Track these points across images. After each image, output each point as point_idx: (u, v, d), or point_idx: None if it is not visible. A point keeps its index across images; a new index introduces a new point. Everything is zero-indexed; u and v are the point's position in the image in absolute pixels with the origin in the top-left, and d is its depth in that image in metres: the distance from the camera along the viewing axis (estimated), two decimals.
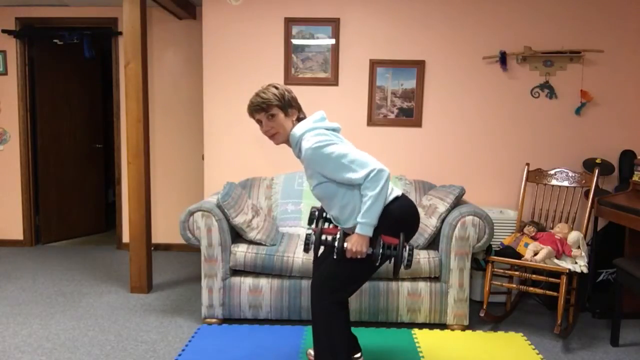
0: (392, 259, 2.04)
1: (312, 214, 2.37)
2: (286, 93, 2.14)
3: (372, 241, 2.05)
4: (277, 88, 2.13)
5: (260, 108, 2.11)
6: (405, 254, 2.03)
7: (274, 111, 2.11)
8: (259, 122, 2.15)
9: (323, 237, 2.08)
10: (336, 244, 2.03)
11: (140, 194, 3.47)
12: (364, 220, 2.01)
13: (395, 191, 2.19)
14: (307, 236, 2.07)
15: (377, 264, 2.07)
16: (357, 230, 2.03)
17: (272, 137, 2.16)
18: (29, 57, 4.73)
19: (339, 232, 2.06)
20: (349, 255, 2.03)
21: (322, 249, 2.14)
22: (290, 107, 2.15)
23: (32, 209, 4.86)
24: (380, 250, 2.02)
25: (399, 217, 2.14)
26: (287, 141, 2.18)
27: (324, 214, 2.38)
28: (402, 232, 2.14)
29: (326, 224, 2.34)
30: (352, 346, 2.45)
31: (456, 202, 3.03)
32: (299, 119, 2.19)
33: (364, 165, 2.01)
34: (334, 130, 2.19)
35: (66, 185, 5.07)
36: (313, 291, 2.15)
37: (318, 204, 3.33)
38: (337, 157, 2.02)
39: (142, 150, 3.45)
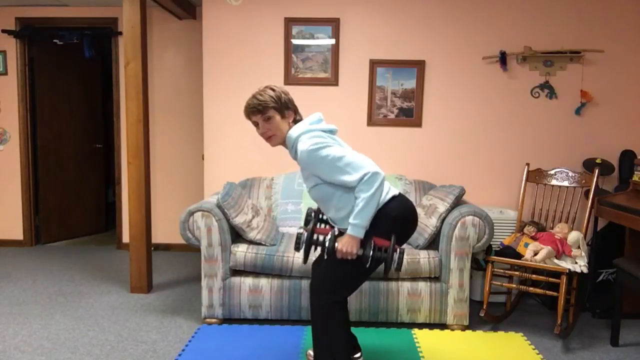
0: (383, 261, 2.03)
1: (308, 215, 2.38)
2: (283, 95, 2.13)
3: (363, 242, 2.04)
4: (273, 90, 2.13)
5: (256, 110, 2.10)
6: (396, 256, 2.02)
7: (270, 113, 2.10)
8: (256, 124, 2.15)
9: (315, 236, 2.07)
10: (327, 244, 2.03)
11: (140, 194, 3.47)
12: (355, 221, 2.00)
13: (392, 190, 2.19)
14: (299, 235, 2.06)
15: (367, 266, 2.06)
16: (348, 231, 2.02)
17: (268, 139, 2.16)
18: (29, 57, 4.73)
19: (330, 233, 2.05)
20: (339, 255, 2.02)
21: (316, 250, 2.14)
22: (287, 109, 2.15)
23: (32, 209, 4.86)
24: (371, 252, 2.01)
25: (396, 216, 2.13)
26: (283, 143, 2.18)
27: (320, 215, 2.38)
28: (400, 231, 2.14)
29: (322, 225, 2.34)
30: (351, 346, 2.45)
31: (456, 202, 3.03)
32: (295, 121, 2.19)
33: (358, 169, 2.01)
34: (330, 132, 2.19)
35: (66, 185, 5.07)
36: (312, 291, 2.15)
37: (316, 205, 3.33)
38: (332, 160, 2.01)
39: (142, 150, 3.45)
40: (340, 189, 2.08)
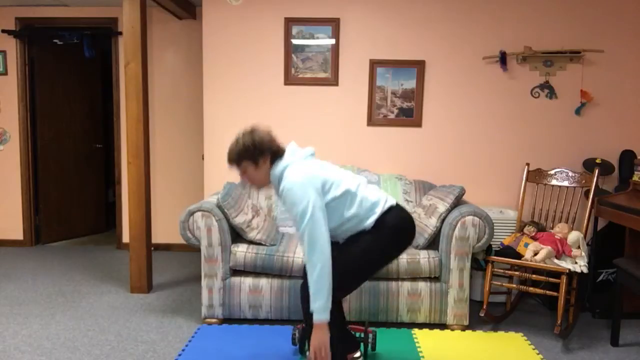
0: None
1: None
2: (255, 142, 2.11)
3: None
4: (244, 139, 2.12)
5: (231, 163, 2.16)
6: None
7: (243, 165, 2.14)
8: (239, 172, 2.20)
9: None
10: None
11: (140, 194, 3.47)
12: (315, 305, 2.00)
13: (389, 200, 2.22)
14: (294, 333, 2.57)
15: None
16: (314, 320, 2.01)
17: (252, 185, 2.21)
18: (29, 57, 4.73)
19: None
20: (312, 354, 2.03)
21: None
22: (260, 155, 2.13)
23: (32, 209, 4.86)
24: None
25: (394, 225, 2.16)
26: (270, 184, 2.21)
27: None
28: (400, 239, 2.18)
29: None
30: (348, 344, 2.45)
31: (456, 202, 3.03)
32: (277, 157, 2.16)
33: (308, 244, 2.00)
34: (312, 155, 2.21)
35: (66, 185, 5.07)
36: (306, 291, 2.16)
37: None
38: (301, 214, 2.01)
39: (142, 150, 3.45)
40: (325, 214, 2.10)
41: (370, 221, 2.14)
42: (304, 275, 2.35)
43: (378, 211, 2.15)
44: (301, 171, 2.07)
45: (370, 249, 2.15)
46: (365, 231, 2.16)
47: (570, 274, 2.88)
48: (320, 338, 2.02)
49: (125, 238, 4.72)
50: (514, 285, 3.07)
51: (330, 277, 2.01)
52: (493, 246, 3.14)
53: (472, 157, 3.78)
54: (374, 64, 3.72)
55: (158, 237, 4.72)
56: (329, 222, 2.13)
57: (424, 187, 3.57)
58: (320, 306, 2.00)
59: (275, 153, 2.17)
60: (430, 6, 3.68)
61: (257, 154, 2.13)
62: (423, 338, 2.86)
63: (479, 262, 3.34)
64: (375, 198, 2.18)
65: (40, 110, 4.82)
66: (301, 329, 2.59)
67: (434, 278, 3.00)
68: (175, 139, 4.65)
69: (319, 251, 2.00)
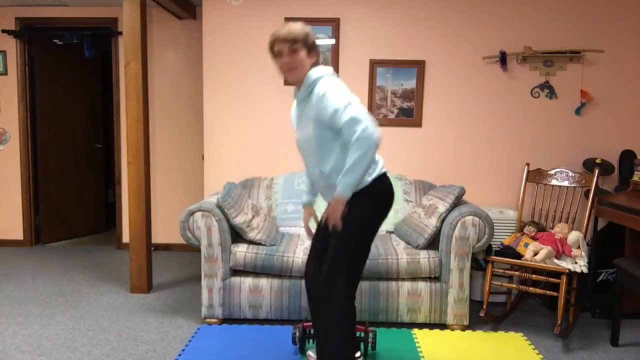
0: None
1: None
2: (312, 34, 2.13)
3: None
4: (305, 27, 2.12)
5: (286, 40, 2.07)
6: None
7: (298, 46, 2.07)
8: (279, 54, 2.10)
9: (306, 331, 2.61)
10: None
11: (140, 194, 3.47)
12: (344, 179, 1.99)
13: (384, 168, 2.24)
14: (294, 333, 2.63)
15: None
16: (336, 191, 2.02)
17: (289, 71, 2.11)
18: (29, 57, 4.73)
19: None
20: (330, 222, 2.06)
21: (308, 342, 2.71)
22: (314, 49, 2.13)
23: (32, 209, 4.86)
24: None
25: (384, 196, 2.19)
26: (297, 82, 2.15)
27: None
28: (385, 206, 2.21)
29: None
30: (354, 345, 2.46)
31: (456, 202, 3.03)
32: (317, 64, 2.17)
33: (358, 125, 1.97)
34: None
35: (66, 185, 5.07)
36: (326, 289, 2.14)
37: None
38: (344, 107, 1.98)
39: (142, 150, 3.45)
40: (338, 150, 2.09)
41: (363, 182, 2.12)
42: (306, 272, 2.36)
43: (374, 174, 2.14)
44: (339, 83, 2.07)
45: (365, 225, 2.15)
46: (355, 200, 2.10)
47: (570, 274, 2.88)
48: (338, 207, 2.03)
49: (125, 238, 4.72)
50: (514, 285, 3.07)
51: (369, 162, 1.99)
52: (493, 246, 3.14)
53: (472, 157, 3.78)
54: (374, 64, 3.72)
55: (158, 237, 4.72)
56: (330, 155, 2.11)
57: (424, 187, 3.57)
58: (349, 182, 1.99)
59: (318, 60, 2.17)
60: (430, 6, 3.68)
61: (314, 46, 2.12)
62: (423, 338, 2.86)
63: (479, 262, 3.34)
64: (376, 157, 2.19)
65: (40, 110, 4.82)
66: (301, 328, 2.59)
67: (434, 278, 3.00)
68: (175, 139, 4.65)
69: (368, 134, 1.95)
